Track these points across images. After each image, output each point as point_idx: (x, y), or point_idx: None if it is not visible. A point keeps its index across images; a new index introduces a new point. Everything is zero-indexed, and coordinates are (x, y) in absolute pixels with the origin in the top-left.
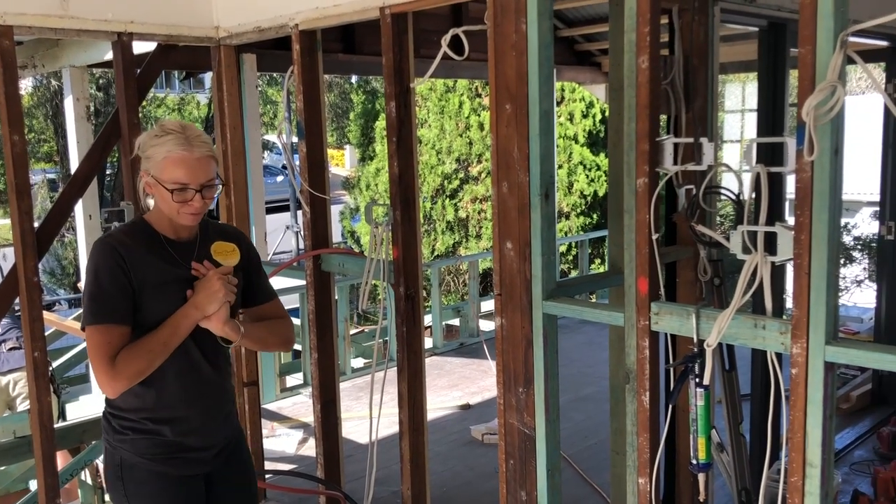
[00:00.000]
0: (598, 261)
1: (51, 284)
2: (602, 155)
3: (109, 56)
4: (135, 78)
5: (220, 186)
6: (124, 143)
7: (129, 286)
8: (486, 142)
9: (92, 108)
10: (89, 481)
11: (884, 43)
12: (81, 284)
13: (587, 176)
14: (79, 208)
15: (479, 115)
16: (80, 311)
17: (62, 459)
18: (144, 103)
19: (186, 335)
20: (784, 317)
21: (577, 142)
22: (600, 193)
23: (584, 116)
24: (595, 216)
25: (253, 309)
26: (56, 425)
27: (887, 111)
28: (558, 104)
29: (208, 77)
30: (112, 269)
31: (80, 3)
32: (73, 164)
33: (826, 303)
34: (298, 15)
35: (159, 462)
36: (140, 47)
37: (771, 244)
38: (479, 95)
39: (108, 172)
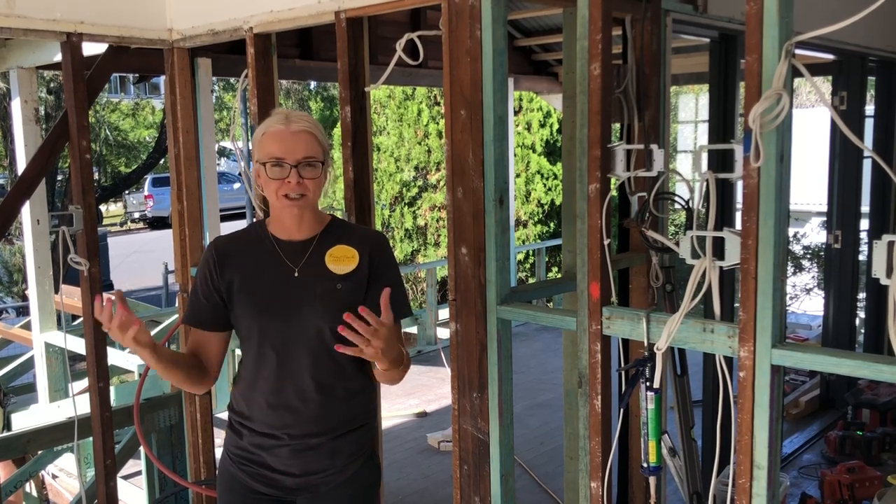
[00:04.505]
0: (555, 269)
1: None
2: (559, 164)
3: (59, 57)
4: (84, 80)
5: (323, 168)
6: (73, 146)
7: (213, 291)
8: (444, 150)
9: (42, 112)
10: (34, 493)
11: (830, 56)
12: (29, 292)
13: (544, 185)
14: (26, 213)
15: (437, 123)
16: (28, 318)
17: (5, 471)
18: (97, 107)
19: (158, 369)
20: (734, 321)
21: (534, 151)
22: (557, 202)
23: (542, 126)
24: (552, 225)
25: None
26: None
27: (834, 123)
28: (516, 113)
29: (163, 82)
30: (201, 272)
31: (27, 1)
32: (22, 169)
33: (772, 307)
34: (253, 18)
35: (235, 464)
36: (91, 49)
37: (720, 249)
38: (437, 103)
39: (58, 179)
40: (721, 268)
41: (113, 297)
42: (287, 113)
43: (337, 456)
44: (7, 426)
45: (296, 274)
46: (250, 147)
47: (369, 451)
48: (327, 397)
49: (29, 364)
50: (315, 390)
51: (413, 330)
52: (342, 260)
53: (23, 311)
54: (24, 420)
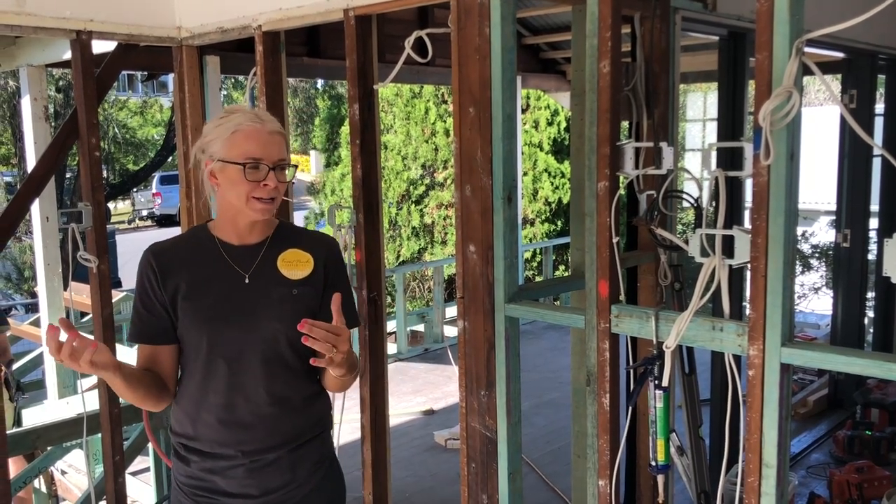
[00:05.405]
0: (562, 267)
1: (6, 289)
2: (567, 162)
3: (68, 55)
4: (94, 78)
5: (293, 171)
6: (82, 143)
7: (156, 302)
8: (452, 148)
9: (51, 110)
10: (44, 489)
11: (840, 55)
12: (38, 289)
13: (552, 183)
14: (36, 210)
15: (444, 122)
16: (38, 315)
17: (16, 467)
18: (106, 105)
19: (121, 389)
20: (742, 320)
21: (542, 149)
22: (564, 200)
23: (549, 124)
24: (559, 223)
25: None
26: (9, 431)
27: (843, 122)
28: (524, 111)
29: (171, 80)
30: (141, 283)
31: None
32: (31, 167)
33: (782, 305)
34: (262, 16)
35: (188, 495)
36: (100, 46)
37: (729, 248)
38: (445, 101)
39: (67, 176)
40: (730, 266)
41: (57, 325)
42: (256, 111)
43: (298, 467)
44: (17, 422)
45: (246, 280)
46: (205, 143)
47: (330, 458)
48: (283, 408)
49: (38, 361)
50: (270, 403)
51: (420, 328)
52: (296, 265)
53: (32, 307)
54: (34, 416)
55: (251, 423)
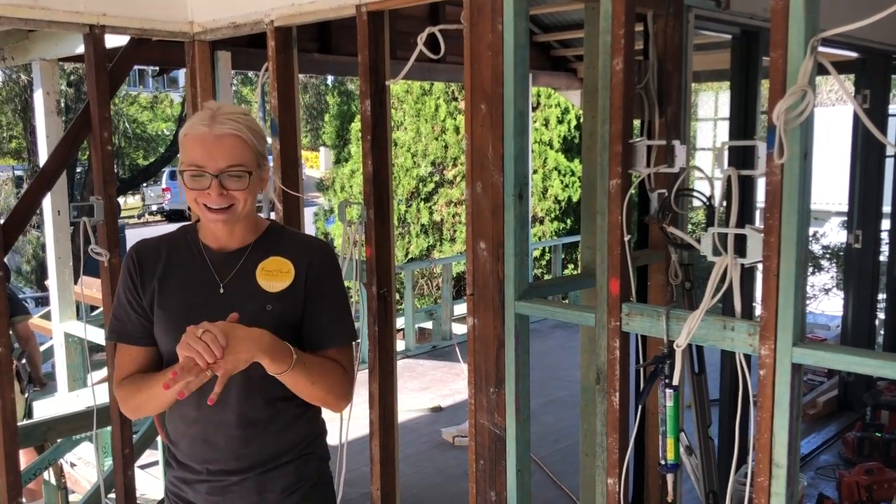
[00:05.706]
0: (571, 265)
1: (17, 283)
2: (577, 161)
3: (81, 49)
4: (106, 72)
5: (252, 177)
6: (94, 137)
7: (136, 301)
8: (462, 145)
9: (63, 104)
10: (53, 481)
11: (854, 54)
12: (48, 282)
13: (562, 181)
14: (47, 204)
15: (454, 119)
16: (48, 308)
17: (26, 458)
18: (116, 100)
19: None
20: (754, 320)
21: (552, 147)
22: (574, 199)
23: (560, 122)
24: (569, 221)
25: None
26: (20, 423)
27: (856, 122)
28: (534, 109)
29: (182, 75)
30: (124, 280)
31: None
32: (43, 160)
33: (794, 305)
34: (274, 11)
35: (169, 498)
36: (112, 41)
37: (741, 247)
38: (455, 99)
39: (78, 170)
40: (742, 265)
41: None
42: (214, 111)
43: (268, 491)
44: (28, 414)
45: (221, 290)
46: None
47: (313, 480)
48: (252, 431)
49: (49, 354)
50: (237, 425)
51: (428, 325)
52: (275, 275)
53: (42, 301)
54: (44, 409)
55: (216, 443)
